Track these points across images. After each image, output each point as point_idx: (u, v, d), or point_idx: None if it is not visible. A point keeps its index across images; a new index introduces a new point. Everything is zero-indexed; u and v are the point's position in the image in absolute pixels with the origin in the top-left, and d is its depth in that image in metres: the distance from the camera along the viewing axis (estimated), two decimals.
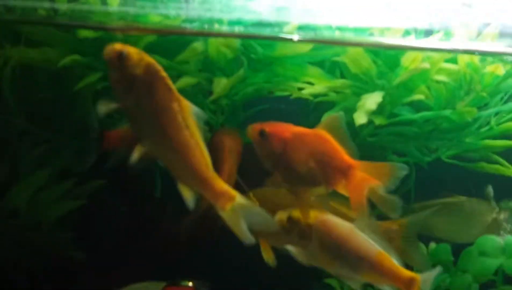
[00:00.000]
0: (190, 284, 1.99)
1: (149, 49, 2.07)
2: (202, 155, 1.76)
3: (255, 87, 2.25)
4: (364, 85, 2.21)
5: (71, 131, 2.32)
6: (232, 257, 2.32)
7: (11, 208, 2.25)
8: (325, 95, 2.23)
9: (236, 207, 1.82)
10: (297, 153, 1.94)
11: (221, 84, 2.17)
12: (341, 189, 1.91)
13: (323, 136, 1.93)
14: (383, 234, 2.02)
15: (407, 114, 2.25)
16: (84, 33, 2.12)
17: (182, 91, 2.02)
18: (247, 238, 1.77)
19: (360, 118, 2.08)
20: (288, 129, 1.92)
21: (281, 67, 2.24)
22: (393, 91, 2.19)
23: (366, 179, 1.88)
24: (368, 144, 2.28)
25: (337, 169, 1.91)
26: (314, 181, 1.91)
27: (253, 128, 1.90)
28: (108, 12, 2.08)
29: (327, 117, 2.04)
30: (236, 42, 2.19)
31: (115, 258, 2.36)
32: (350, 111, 2.12)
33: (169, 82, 1.76)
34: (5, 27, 2.18)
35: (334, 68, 2.28)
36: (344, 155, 1.90)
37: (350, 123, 2.10)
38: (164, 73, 1.75)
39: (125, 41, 2.07)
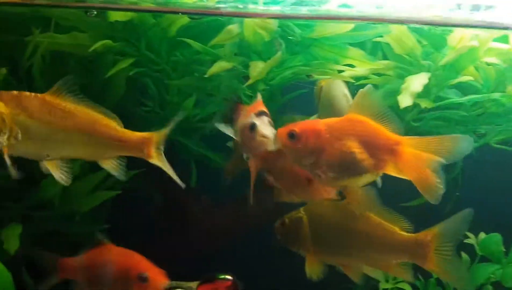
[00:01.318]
0: (229, 277, 1.99)
1: (183, 32, 2.18)
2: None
3: (293, 70, 2.24)
4: (408, 66, 2.20)
5: None
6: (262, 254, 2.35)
7: (44, 199, 2.25)
8: (366, 77, 2.22)
9: (159, 148, 1.93)
10: (336, 144, 1.86)
11: (258, 68, 2.16)
12: (392, 171, 1.82)
13: (357, 118, 1.86)
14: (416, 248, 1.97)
15: (454, 97, 2.23)
16: (115, 16, 2.13)
17: (216, 76, 2.15)
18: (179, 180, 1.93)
19: (405, 101, 2.07)
20: (318, 123, 1.87)
21: (320, 49, 2.24)
22: (439, 72, 2.18)
23: (419, 155, 1.78)
24: (412, 129, 2.26)
25: (382, 149, 1.82)
26: (361, 169, 1.82)
27: (281, 133, 1.84)
28: None
29: (356, 97, 1.94)
30: (273, 24, 2.18)
31: (147, 250, 2.26)
32: (393, 93, 2.12)
33: None
34: (34, 12, 2.20)
35: (376, 49, 2.28)
36: (386, 132, 1.83)
37: (394, 106, 2.08)
38: None
39: (158, 24, 2.13)
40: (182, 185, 1.95)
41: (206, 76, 2.17)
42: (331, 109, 2.08)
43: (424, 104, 2.14)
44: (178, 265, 2.07)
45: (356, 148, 1.80)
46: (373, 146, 1.83)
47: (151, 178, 2.43)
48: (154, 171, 2.26)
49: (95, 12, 2.12)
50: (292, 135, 1.81)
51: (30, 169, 2.10)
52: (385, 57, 2.27)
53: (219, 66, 2.15)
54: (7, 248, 2.12)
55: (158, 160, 1.99)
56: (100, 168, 2.18)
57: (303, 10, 2.12)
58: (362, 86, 2.22)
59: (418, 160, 1.79)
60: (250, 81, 2.17)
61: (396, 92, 2.12)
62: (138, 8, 2.15)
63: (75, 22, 2.17)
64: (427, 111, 2.21)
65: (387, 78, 2.23)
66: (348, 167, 1.83)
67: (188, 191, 2.36)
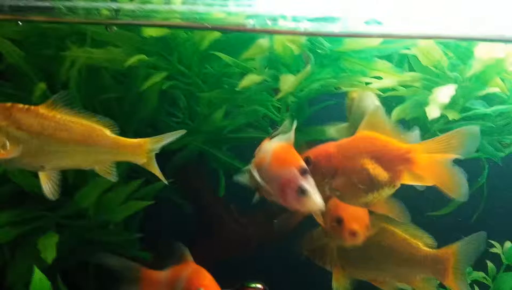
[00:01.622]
0: (259, 286, 2.00)
1: (213, 46, 2.18)
2: None
3: (321, 83, 2.25)
4: (435, 78, 2.21)
5: (136, 131, 2.30)
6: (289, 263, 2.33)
7: (79, 209, 2.27)
8: (393, 89, 2.24)
9: (150, 152, 1.95)
10: (348, 163, 1.89)
11: (288, 81, 2.16)
12: (411, 180, 1.84)
13: (366, 135, 1.89)
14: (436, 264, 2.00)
15: (480, 108, 2.23)
16: (149, 32, 2.14)
17: (247, 89, 2.15)
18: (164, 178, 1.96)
19: (433, 112, 2.06)
20: (329, 146, 1.88)
21: (348, 62, 2.24)
22: (466, 84, 2.18)
23: (433, 158, 1.79)
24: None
25: (395, 160, 1.85)
26: (378, 183, 1.85)
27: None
28: (172, 10, 2.06)
29: (366, 117, 1.97)
30: (302, 38, 2.18)
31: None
32: (421, 105, 2.13)
33: None
34: (70, 28, 2.20)
35: (402, 62, 2.29)
36: (397, 143, 1.85)
37: (421, 117, 2.14)
38: None
39: (189, 38, 2.14)
40: (166, 182, 1.98)
41: (237, 89, 2.18)
42: (362, 120, 2.09)
43: (451, 115, 2.14)
44: (208, 270, 2.06)
45: (369, 165, 1.82)
46: (386, 159, 1.86)
47: (181, 188, 2.41)
48: (184, 181, 2.34)
49: (116, 28, 2.14)
50: (307, 161, 1.82)
51: (64, 179, 2.11)
52: (411, 69, 2.28)
53: (250, 79, 2.15)
54: (44, 257, 2.12)
55: (149, 165, 2.00)
56: (132, 179, 2.27)
57: (332, 27, 2.06)
58: (390, 97, 2.26)
59: (434, 163, 1.80)
60: (280, 95, 2.18)
61: (424, 103, 2.11)
62: (170, 24, 2.16)
63: (110, 38, 2.18)
64: (454, 122, 2.19)
65: (415, 90, 2.23)
66: (364, 184, 1.84)
67: (217, 200, 2.41)
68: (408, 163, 1.81)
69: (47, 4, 2.03)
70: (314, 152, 1.87)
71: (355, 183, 1.84)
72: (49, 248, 2.14)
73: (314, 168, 1.82)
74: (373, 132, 1.85)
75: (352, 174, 1.83)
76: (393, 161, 1.87)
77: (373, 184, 1.83)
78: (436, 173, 1.79)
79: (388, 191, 1.88)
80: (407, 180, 1.86)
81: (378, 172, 1.88)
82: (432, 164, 1.80)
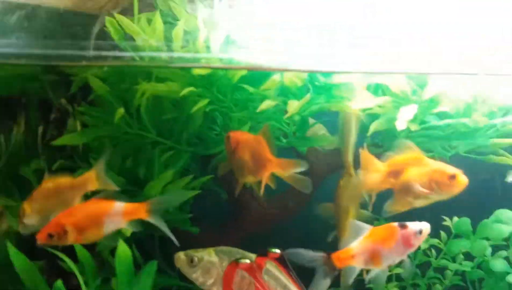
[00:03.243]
0: (278, 251, 1.85)
1: (242, 80, 2.20)
2: None
3: (318, 106, 2.25)
4: (401, 100, 2.20)
5: (187, 141, 2.36)
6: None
7: (148, 197, 2.17)
8: (370, 109, 2.23)
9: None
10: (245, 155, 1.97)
11: (294, 105, 2.18)
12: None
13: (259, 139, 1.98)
14: None
15: (434, 121, 2.25)
16: (197, 71, 2.16)
17: (265, 111, 2.17)
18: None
19: (400, 125, 2.08)
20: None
21: (337, 90, 2.23)
22: (423, 104, 2.18)
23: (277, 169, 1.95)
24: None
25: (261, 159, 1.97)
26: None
27: None
28: (212, 57, 2.10)
29: (264, 127, 2.04)
30: (304, 74, 2.19)
31: (218, 232, 2.44)
32: (391, 120, 2.15)
33: None
34: (140, 70, 2.23)
35: (377, 89, 2.27)
36: (268, 154, 1.96)
37: (391, 129, 2.16)
38: None
39: (225, 75, 2.20)
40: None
41: (258, 110, 2.17)
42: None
43: (413, 127, 2.16)
44: (238, 243, 2.08)
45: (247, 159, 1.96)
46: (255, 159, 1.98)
47: (219, 181, 2.43)
48: (221, 177, 2.34)
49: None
50: None
51: (136, 175, 2.30)
52: (384, 94, 2.25)
53: (267, 104, 2.16)
54: (124, 231, 2.09)
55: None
56: (186, 175, 2.31)
57: (327, 66, 2.13)
58: (369, 114, 2.24)
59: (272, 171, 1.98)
60: (288, 114, 2.18)
61: (393, 119, 2.13)
62: (211, 66, 2.16)
63: (169, 75, 2.20)
64: (415, 132, 2.20)
65: (387, 109, 2.22)
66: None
67: (245, 190, 2.42)
68: (265, 170, 1.98)
69: (124, 54, 2.12)
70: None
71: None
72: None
73: None
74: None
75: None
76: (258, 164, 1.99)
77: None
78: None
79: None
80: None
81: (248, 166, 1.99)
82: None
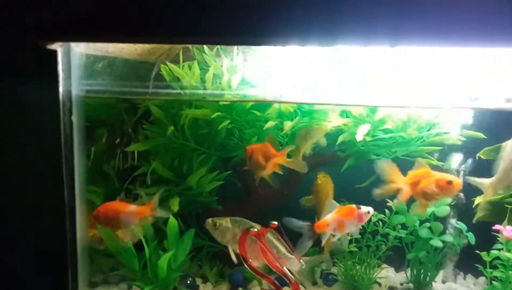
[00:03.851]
0: (275, 223, 1.88)
1: (252, 107, 2.27)
2: None
3: (304, 124, 2.27)
4: (359, 121, 2.24)
5: (215, 148, 2.40)
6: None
7: (188, 186, 2.31)
8: (338, 126, 2.26)
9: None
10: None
11: (288, 125, 2.22)
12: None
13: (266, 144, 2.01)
14: None
15: (381, 135, 2.27)
16: (223, 102, 2.22)
17: (269, 129, 2.20)
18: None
19: (359, 137, 2.13)
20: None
21: (317, 114, 2.27)
22: (374, 123, 2.22)
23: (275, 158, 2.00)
24: (360, 150, 2.30)
25: (269, 157, 2.00)
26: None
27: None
28: (232, 93, 2.16)
29: (269, 135, 2.07)
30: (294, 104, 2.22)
31: (235, 209, 2.39)
32: (353, 134, 2.19)
33: None
34: (184, 101, 2.27)
35: (343, 113, 2.30)
36: (273, 151, 2.00)
37: (353, 140, 2.20)
38: None
39: (241, 104, 2.25)
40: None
41: (264, 128, 2.21)
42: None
43: (367, 138, 2.20)
44: (250, 217, 2.07)
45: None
46: (267, 156, 1.99)
47: (236, 174, 2.46)
48: (237, 172, 2.42)
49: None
50: None
51: (180, 169, 2.33)
52: (347, 116, 2.29)
53: (270, 123, 2.22)
54: (172, 208, 2.18)
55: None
56: (214, 170, 2.33)
57: (313, 98, 2.14)
58: (338, 130, 2.24)
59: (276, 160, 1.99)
60: (284, 131, 2.24)
61: (354, 133, 2.17)
62: (232, 100, 2.22)
63: (203, 104, 2.27)
64: (369, 142, 2.24)
65: (349, 127, 2.25)
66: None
67: (254, 182, 2.32)
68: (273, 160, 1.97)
69: (174, 91, 2.18)
70: None
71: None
72: (174, 204, 2.21)
73: None
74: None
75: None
76: (268, 158, 1.99)
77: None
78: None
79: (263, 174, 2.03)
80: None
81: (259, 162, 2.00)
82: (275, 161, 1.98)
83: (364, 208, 1.85)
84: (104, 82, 2.04)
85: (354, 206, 1.85)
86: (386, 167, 1.87)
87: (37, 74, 1.60)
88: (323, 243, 1.86)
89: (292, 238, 1.93)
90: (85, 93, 1.75)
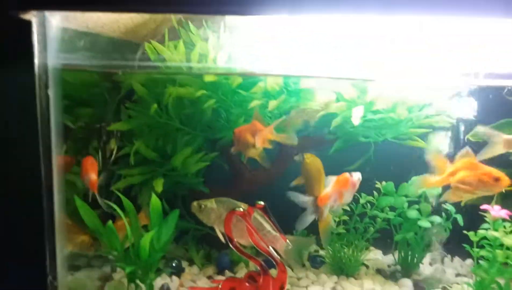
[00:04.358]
0: (262, 203, 1.88)
1: (238, 86, 2.21)
2: None
3: (291, 104, 2.26)
4: (352, 103, 2.23)
5: (201, 128, 2.36)
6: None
7: (173, 166, 2.27)
8: (327, 108, 2.24)
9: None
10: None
11: (273, 103, 2.20)
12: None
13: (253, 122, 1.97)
14: None
15: (372, 116, 2.26)
16: (207, 79, 2.17)
17: (253, 107, 2.15)
18: None
19: (355, 120, 2.17)
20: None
21: (304, 93, 2.25)
22: (366, 105, 2.22)
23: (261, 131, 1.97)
24: (349, 132, 2.32)
25: (256, 134, 1.96)
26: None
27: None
28: (218, 67, 2.11)
29: (255, 113, 2.02)
30: (281, 80, 2.18)
31: (221, 191, 2.26)
32: (346, 117, 2.22)
33: None
34: (167, 78, 2.20)
35: (337, 98, 2.26)
36: (261, 126, 1.97)
37: (349, 121, 2.21)
38: None
39: (227, 82, 2.19)
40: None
41: (249, 107, 2.19)
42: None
43: (361, 121, 2.21)
44: (236, 197, 2.02)
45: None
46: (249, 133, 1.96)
47: (223, 156, 2.42)
48: (224, 154, 2.38)
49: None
50: None
51: (165, 150, 2.27)
52: (338, 100, 2.25)
53: (255, 102, 2.18)
54: (156, 189, 2.15)
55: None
56: (200, 151, 2.30)
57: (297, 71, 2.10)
58: (328, 113, 2.22)
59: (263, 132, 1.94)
60: (269, 109, 2.19)
61: (348, 116, 2.20)
62: (217, 73, 2.15)
63: (188, 82, 2.20)
64: (361, 123, 2.23)
65: (342, 110, 2.23)
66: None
67: (240, 162, 2.43)
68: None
69: (157, 64, 2.13)
70: None
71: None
72: (158, 185, 2.19)
73: None
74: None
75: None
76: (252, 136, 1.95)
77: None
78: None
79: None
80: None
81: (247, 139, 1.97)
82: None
83: (355, 175, 1.89)
84: (83, 57, 1.97)
85: (347, 174, 1.87)
86: (436, 157, 1.81)
87: (11, 46, 1.54)
88: (323, 216, 1.85)
89: (279, 219, 1.93)
90: (62, 66, 1.67)
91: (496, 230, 1.87)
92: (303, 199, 1.85)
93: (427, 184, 1.83)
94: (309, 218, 1.85)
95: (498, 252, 1.84)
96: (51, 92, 1.67)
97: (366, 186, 2.18)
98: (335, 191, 1.86)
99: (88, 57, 1.98)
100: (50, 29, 1.64)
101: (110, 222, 1.92)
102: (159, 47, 2.12)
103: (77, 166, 2.09)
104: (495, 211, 1.88)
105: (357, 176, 1.88)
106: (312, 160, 2.09)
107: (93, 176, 1.94)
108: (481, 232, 1.91)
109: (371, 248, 2.47)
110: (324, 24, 1.84)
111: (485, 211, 1.93)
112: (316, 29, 1.91)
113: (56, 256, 1.65)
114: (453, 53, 1.91)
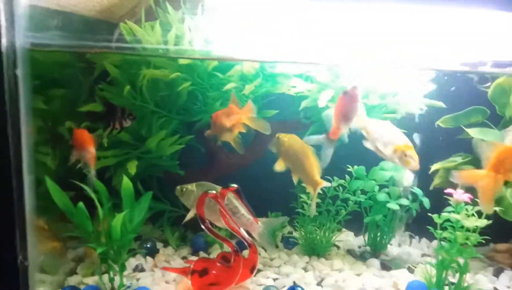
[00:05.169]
0: (235, 185, 1.92)
1: (215, 69, 2.23)
2: None
3: (266, 88, 2.29)
4: (323, 87, 2.25)
5: (176, 111, 2.36)
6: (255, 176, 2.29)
7: (147, 149, 2.27)
8: (302, 92, 2.27)
9: None
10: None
11: (249, 87, 2.21)
12: None
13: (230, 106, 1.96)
14: None
15: None
16: (182, 61, 2.18)
17: (229, 90, 2.17)
18: None
19: (321, 103, 2.16)
20: None
21: (280, 78, 2.28)
22: (336, 89, 2.22)
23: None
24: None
25: (232, 117, 1.97)
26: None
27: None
28: (194, 50, 2.11)
29: (232, 96, 2.02)
30: (257, 65, 2.22)
31: (197, 174, 2.33)
32: (315, 100, 2.20)
33: None
34: (142, 59, 2.21)
35: (307, 78, 2.29)
36: (237, 109, 1.96)
37: (315, 106, 2.20)
38: None
39: (202, 64, 2.20)
40: None
41: (225, 90, 2.20)
42: None
43: (331, 104, 2.14)
44: (212, 180, 2.08)
45: None
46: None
47: (200, 140, 2.44)
48: (200, 136, 2.36)
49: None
50: None
51: (140, 133, 2.26)
52: (312, 82, 2.28)
53: (231, 85, 2.19)
54: (130, 171, 2.14)
55: None
56: (175, 134, 2.28)
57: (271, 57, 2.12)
58: (301, 96, 2.24)
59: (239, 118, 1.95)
60: (245, 92, 2.20)
61: (317, 99, 2.18)
62: (193, 57, 2.18)
63: (163, 64, 2.20)
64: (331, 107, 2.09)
65: (313, 92, 2.24)
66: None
67: (218, 147, 2.43)
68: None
69: (132, 46, 2.12)
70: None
71: None
72: (132, 167, 2.18)
73: None
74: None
75: None
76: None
77: None
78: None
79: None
80: None
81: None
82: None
83: (352, 88, 1.88)
84: (53, 36, 1.91)
85: (341, 94, 1.89)
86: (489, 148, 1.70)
87: None
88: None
89: (255, 202, 1.96)
90: (31, 46, 1.64)
91: (458, 213, 1.92)
92: (318, 138, 1.96)
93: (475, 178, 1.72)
94: (328, 151, 1.95)
95: (458, 233, 1.89)
96: (19, 72, 1.63)
97: (338, 171, 2.28)
98: (338, 117, 1.88)
99: (59, 36, 1.94)
100: (18, 6, 1.60)
101: (81, 203, 1.90)
102: (134, 28, 2.11)
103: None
104: (458, 194, 1.94)
105: (355, 90, 1.85)
106: (289, 138, 2.03)
107: (91, 149, 1.87)
108: (444, 214, 1.96)
109: (344, 230, 2.53)
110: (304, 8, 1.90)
111: (449, 194, 1.97)
112: (296, 14, 1.96)
113: (26, 236, 1.63)
114: (429, 40, 1.98)
